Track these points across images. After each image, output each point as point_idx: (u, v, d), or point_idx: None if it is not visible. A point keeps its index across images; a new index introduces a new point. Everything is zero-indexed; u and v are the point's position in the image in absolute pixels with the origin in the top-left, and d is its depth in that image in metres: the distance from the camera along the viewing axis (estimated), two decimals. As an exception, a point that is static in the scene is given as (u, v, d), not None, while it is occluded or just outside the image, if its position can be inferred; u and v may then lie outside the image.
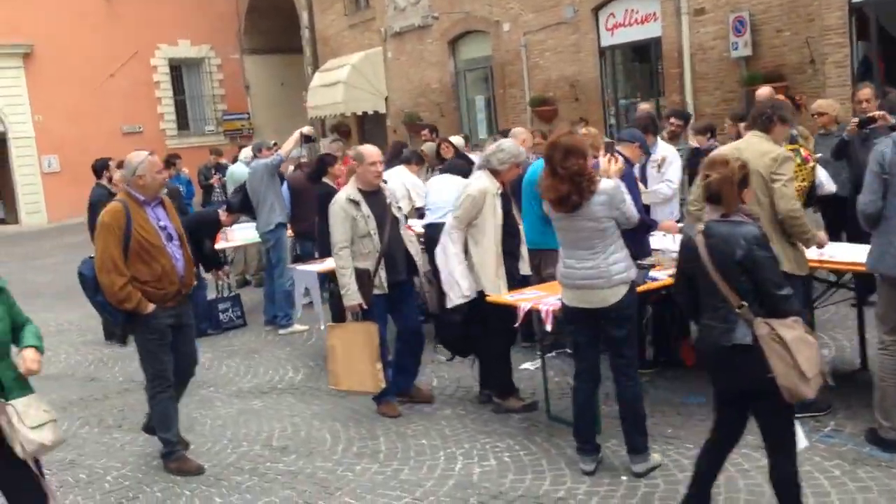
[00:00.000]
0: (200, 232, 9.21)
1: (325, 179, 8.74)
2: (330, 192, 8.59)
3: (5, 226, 26.75)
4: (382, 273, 6.11)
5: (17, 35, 25.19)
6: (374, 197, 6.19)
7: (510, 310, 6.25)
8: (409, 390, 6.62)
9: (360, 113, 22.11)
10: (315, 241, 8.93)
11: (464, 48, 19.41)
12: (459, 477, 5.26)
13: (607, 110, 15.83)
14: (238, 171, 11.99)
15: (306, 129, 9.43)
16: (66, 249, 17.98)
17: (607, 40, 15.49)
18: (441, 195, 7.97)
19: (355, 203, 6.10)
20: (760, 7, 12.62)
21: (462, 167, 8.42)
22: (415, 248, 6.35)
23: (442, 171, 8.62)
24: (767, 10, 12.55)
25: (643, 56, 15.27)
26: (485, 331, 6.18)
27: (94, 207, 8.88)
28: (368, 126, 23.10)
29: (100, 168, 10.09)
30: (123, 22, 26.69)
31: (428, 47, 20.18)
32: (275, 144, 9.99)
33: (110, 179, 9.79)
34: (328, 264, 8.14)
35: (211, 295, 10.18)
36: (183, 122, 29.57)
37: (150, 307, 5.40)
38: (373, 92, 21.85)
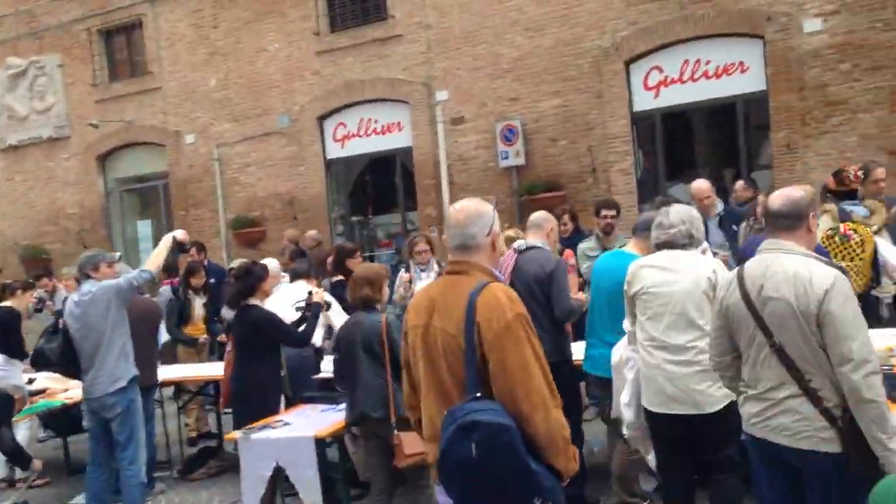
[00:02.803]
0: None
1: (253, 300, 5.90)
2: (266, 317, 5.89)
3: None
4: None
5: None
6: None
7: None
8: None
9: (-48, 247, 17.13)
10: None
11: (120, 164, 16.16)
12: None
13: (334, 229, 14.12)
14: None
15: (180, 234, 6.40)
16: None
17: (336, 152, 13.94)
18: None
19: None
20: (531, 116, 12.31)
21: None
22: None
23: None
24: (539, 119, 12.28)
25: (386, 167, 13.97)
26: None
27: None
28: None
29: None
30: None
31: (63, 164, 16.45)
32: (120, 258, 6.66)
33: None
34: (329, 423, 5.40)
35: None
36: None
37: None
38: (-30, 220, 17.15)
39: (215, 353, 8.68)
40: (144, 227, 15.98)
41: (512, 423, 2.81)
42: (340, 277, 7.34)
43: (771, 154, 11.14)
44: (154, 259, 6.24)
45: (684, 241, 4.36)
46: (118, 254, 6.77)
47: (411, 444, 4.94)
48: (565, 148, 12.20)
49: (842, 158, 10.56)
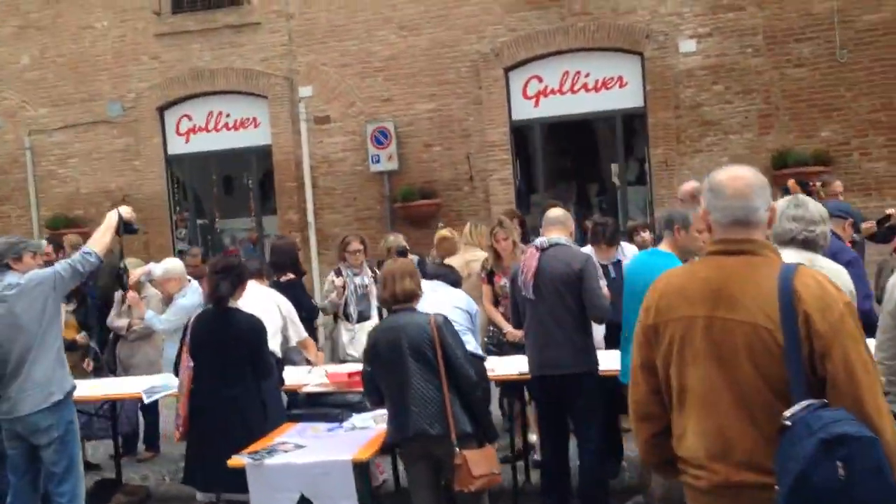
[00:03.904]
0: None
1: (233, 302, 4.92)
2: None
3: None
4: None
5: None
6: None
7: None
8: None
9: None
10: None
11: None
12: None
13: (175, 232, 12.73)
14: None
15: (126, 212, 5.29)
16: None
17: (180, 147, 12.58)
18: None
19: None
20: (405, 119, 11.76)
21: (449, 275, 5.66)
22: None
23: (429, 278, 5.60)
24: (413, 122, 11.76)
25: (238, 167, 12.76)
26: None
27: None
28: None
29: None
30: None
31: None
32: (49, 244, 5.30)
33: None
34: (357, 443, 4.56)
35: None
36: None
37: None
38: None
39: (103, 367, 7.33)
40: (-72, 224, 13.58)
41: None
42: (291, 276, 6.43)
43: (647, 169, 11.37)
44: (98, 240, 5.18)
45: (823, 244, 3.87)
46: (43, 242, 5.41)
47: (478, 464, 4.29)
48: (441, 154, 11.77)
49: (716, 176, 10.97)
